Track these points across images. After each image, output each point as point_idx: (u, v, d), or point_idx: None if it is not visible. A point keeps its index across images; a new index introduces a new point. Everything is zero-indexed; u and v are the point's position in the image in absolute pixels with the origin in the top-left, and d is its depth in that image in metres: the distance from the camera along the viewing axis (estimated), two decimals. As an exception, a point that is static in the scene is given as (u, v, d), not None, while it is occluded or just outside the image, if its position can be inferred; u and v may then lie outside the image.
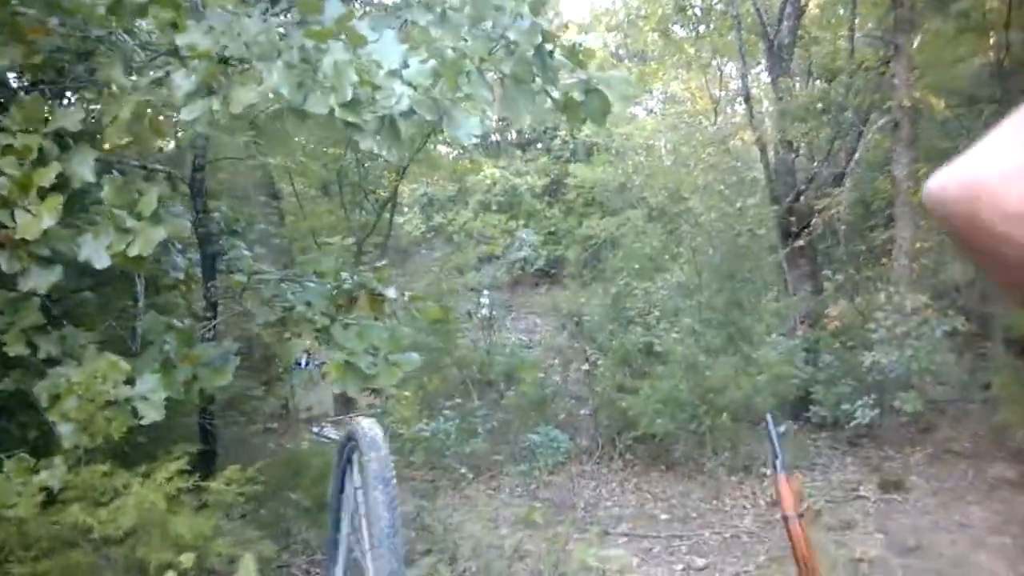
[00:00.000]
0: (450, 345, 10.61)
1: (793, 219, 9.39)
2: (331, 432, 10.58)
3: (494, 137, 21.97)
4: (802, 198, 9.47)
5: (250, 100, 2.51)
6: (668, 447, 7.80)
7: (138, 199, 2.85)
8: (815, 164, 9.36)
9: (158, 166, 4.50)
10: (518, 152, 21.50)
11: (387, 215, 13.57)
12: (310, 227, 11.95)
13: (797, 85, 9.96)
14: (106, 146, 2.83)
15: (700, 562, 5.26)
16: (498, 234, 17.48)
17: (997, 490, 6.34)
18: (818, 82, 10.50)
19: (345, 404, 11.36)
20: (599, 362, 9.27)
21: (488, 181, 19.02)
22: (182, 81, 2.51)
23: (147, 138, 2.79)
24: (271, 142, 2.60)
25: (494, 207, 18.88)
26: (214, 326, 4.29)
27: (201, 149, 4.32)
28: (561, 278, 16.65)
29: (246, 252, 4.83)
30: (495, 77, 2.67)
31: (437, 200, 19.09)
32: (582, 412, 9.43)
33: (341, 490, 2.33)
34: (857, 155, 7.95)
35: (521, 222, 18.63)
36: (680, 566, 5.12)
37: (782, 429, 2.10)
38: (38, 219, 2.67)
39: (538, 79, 2.73)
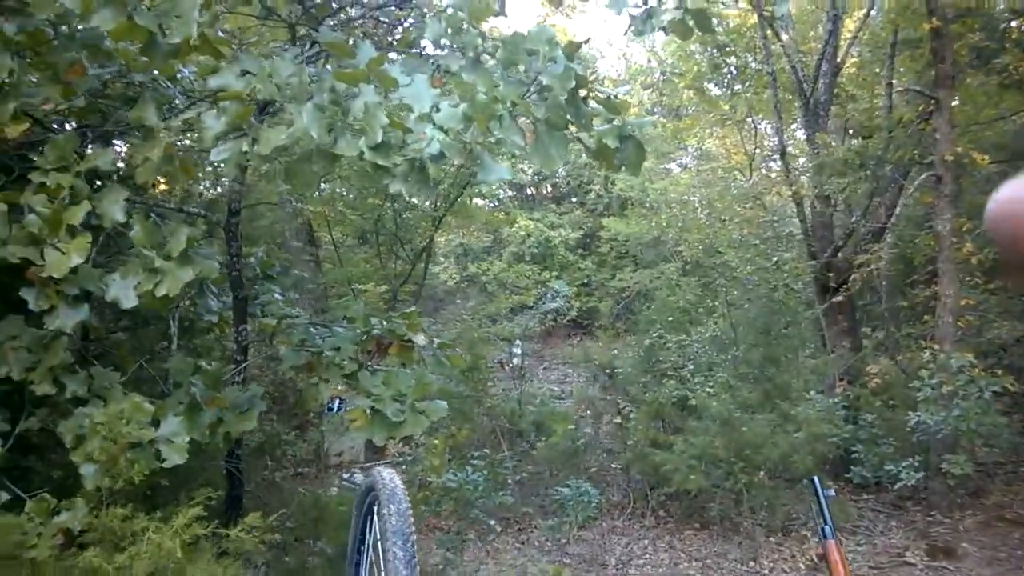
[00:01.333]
0: (481, 394, 10.53)
1: (831, 275, 9.22)
2: (360, 478, 10.50)
3: (529, 190, 22.20)
4: (840, 253, 9.32)
5: (279, 142, 2.52)
6: (703, 504, 7.57)
7: (167, 240, 2.86)
8: (853, 219, 9.22)
9: (194, 209, 4.56)
10: (552, 205, 21.66)
11: (422, 264, 13.69)
12: (346, 274, 12.09)
13: (833, 142, 9.90)
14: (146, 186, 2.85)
15: (736, 628, 5.03)
16: (531, 285, 17.52)
17: (1055, 561, 6.01)
18: (855, 140, 10.42)
19: (376, 450, 11.30)
20: (632, 415, 9.10)
21: (522, 233, 19.15)
22: (212, 122, 2.53)
23: (177, 178, 2.81)
24: (300, 183, 2.60)
25: (527, 258, 18.97)
26: (243, 369, 4.27)
27: (237, 194, 4.36)
28: (594, 329, 16.55)
29: (278, 296, 4.84)
30: (527, 122, 2.66)
31: (472, 251, 19.26)
32: (613, 466, 9.23)
33: (361, 542, 2.25)
34: (898, 210, 7.81)
35: (554, 273, 18.66)
36: (715, 632, 4.91)
37: (831, 493, 1.99)
38: (67, 257, 2.69)
39: (571, 125, 2.71)
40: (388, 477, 1.96)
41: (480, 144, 2.57)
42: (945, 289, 6.99)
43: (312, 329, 4.08)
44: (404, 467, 10.24)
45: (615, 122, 2.83)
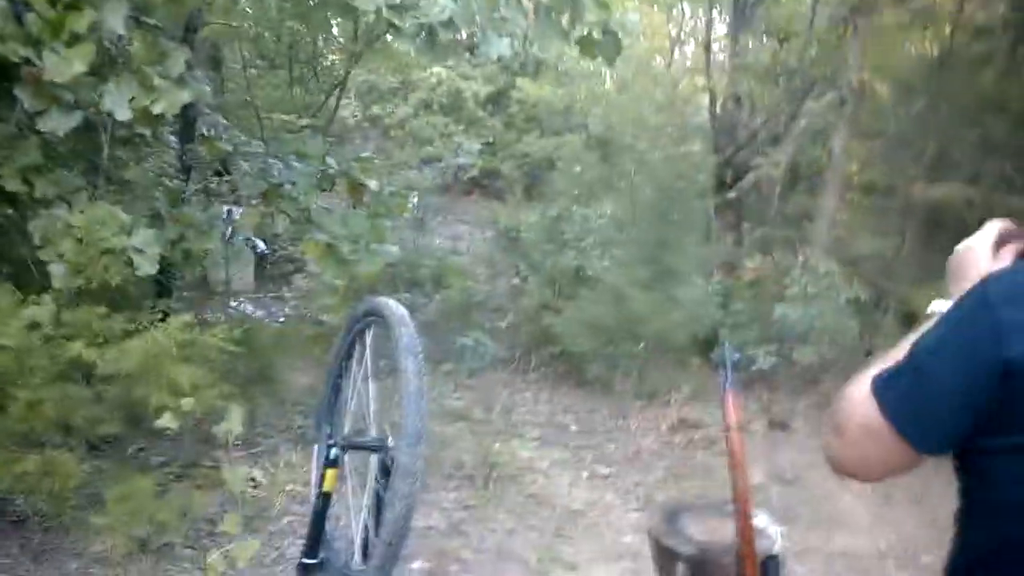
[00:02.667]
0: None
1: (729, 171, 9.86)
2: (250, 307, 10.64)
3: (443, 35, 21.43)
4: (740, 153, 9.94)
5: (299, -16, 2.61)
6: (582, 366, 8.29)
7: (164, 59, 2.91)
8: (759, 122, 9.79)
9: (150, 21, 4.45)
10: (467, 54, 21.12)
11: (333, 100, 13.36)
12: (250, 101, 11.63)
13: (751, 43, 10.30)
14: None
15: (604, 471, 5.79)
16: (437, 137, 17.44)
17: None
18: (771, 41, 10.82)
19: (266, 280, 11.42)
20: (529, 278, 9.62)
21: (433, 80, 18.73)
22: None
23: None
24: (314, 27, 2.71)
25: (435, 107, 18.69)
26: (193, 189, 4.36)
27: (197, 10, 4.27)
28: (492, 190, 16.80)
29: (223, 121, 4.85)
30: (529, 5, 2.85)
31: (377, 90, 18.73)
32: (503, 324, 9.80)
33: (347, 357, 2.57)
34: (804, 122, 8.41)
35: (461, 127, 18.54)
36: (586, 473, 5.63)
37: (737, 356, 2.46)
38: (69, 63, 2.72)
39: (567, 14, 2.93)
40: (394, 304, 2.27)
41: (487, 17, 2.75)
42: (827, 201, 7.76)
43: (270, 160, 4.19)
44: (296, 304, 10.48)
45: (603, 17, 3.06)
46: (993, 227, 1.41)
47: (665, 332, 7.85)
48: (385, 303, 2.29)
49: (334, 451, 2.14)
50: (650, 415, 7.42)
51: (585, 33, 3.08)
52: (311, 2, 2.63)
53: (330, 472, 2.11)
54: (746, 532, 1.93)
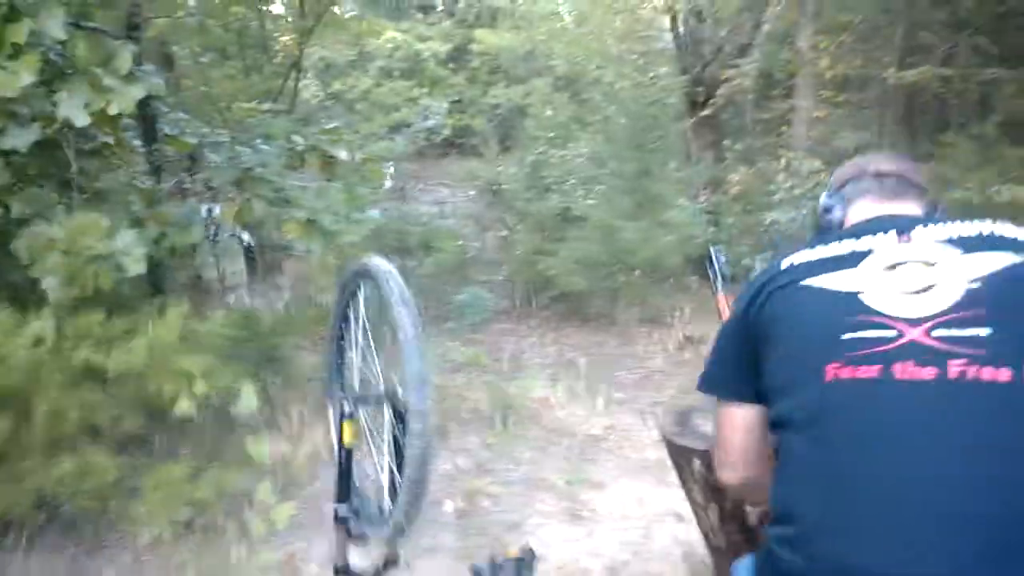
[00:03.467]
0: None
1: (700, 89, 9.80)
2: (247, 299, 10.68)
3: (393, -3, 21.04)
4: (708, 69, 9.86)
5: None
6: (583, 303, 8.37)
7: (111, 59, 2.90)
8: (722, 34, 9.70)
9: (91, 24, 4.39)
10: (419, 15, 20.82)
11: (291, 81, 13.17)
12: (207, 94, 11.47)
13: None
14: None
15: (618, 396, 5.89)
16: (401, 102, 17.25)
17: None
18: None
19: (257, 272, 11.42)
20: (517, 228, 9.65)
21: (390, 46, 18.48)
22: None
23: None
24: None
25: (396, 74, 18.49)
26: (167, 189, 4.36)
27: (136, 7, 4.23)
28: (467, 148, 16.71)
29: (184, 115, 4.82)
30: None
31: (335, 66, 18.48)
32: (499, 277, 9.86)
33: (344, 319, 2.63)
34: (767, 27, 8.34)
35: (424, 90, 18.34)
36: (601, 400, 5.73)
37: (723, 259, 2.51)
38: (16, 76, 2.71)
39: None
40: (379, 261, 2.31)
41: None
42: (801, 101, 7.73)
43: (237, 147, 4.18)
44: (291, 289, 10.50)
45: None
46: None
47: (658, 258, 7.92)
48: (370, 261, 2.32)
49: (347, 405, 2.21)
50: (656, 338, 7.52)
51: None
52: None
53: (347, 425, 2.18)
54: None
